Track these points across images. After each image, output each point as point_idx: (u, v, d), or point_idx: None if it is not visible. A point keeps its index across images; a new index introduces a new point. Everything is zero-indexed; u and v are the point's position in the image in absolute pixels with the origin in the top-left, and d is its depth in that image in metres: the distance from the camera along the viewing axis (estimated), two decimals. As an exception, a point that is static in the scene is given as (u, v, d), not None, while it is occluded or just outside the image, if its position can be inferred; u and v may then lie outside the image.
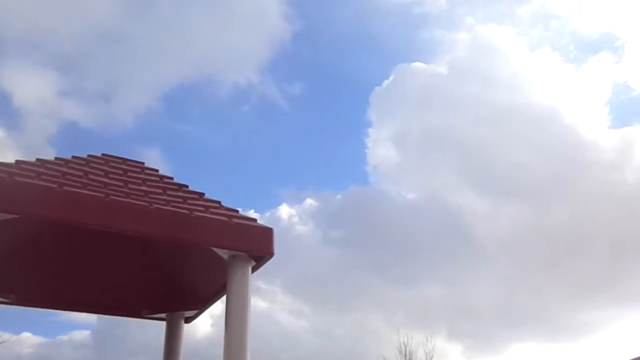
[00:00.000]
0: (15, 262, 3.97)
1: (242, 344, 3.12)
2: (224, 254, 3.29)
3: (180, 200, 3.43)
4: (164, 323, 4.37)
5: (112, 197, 3.12)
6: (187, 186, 3.79)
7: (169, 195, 3.47)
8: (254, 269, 3.38)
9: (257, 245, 3.30)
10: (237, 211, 3.52)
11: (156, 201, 3.29)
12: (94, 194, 3.10)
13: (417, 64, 21.66)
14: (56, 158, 3.55)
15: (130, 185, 3.44)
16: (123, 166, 3.80)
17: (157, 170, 3.93)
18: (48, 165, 3.35)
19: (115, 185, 3.36)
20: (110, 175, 3.53)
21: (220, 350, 3.16)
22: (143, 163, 4.02)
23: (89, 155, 3.77)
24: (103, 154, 3.89)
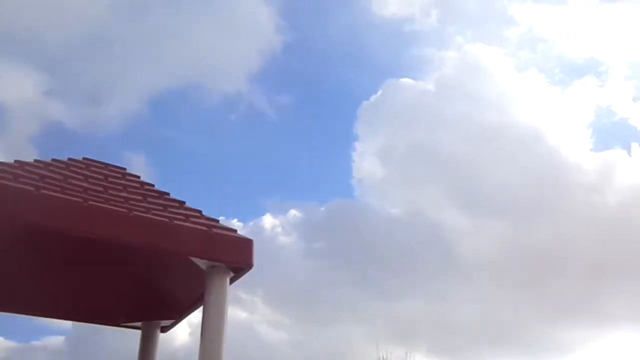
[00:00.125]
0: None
1: (218, 356, 3.08)
2: (202, 264, 3.26)
3: (161, 208, 3.40)
4: (139, 332, 4.30)
5: (90, 202, 3.08)
6: (168, 194, 3.76)
7: (149, 203, 3.43)
8: (232, 280, 3.35)
9: (236, 256, 3.27)
10: (217, 221, 3.49)
11: (136, 208, 3.25)
12: (73, 198, 3.05)
13: (406, 80, 21.83)
14: (35, 160, 3.49)
15: (110, 191, 3.40)
16: (104, 171, 3.75)
17: (138, 177, 3.89)
18: (27, 168, 3.29)
19: (95, 190, 3.32)
20: (90, 180, 3.49)
21: (197, 360, 3.12)
22: (125, 169, 3.98)
23: (69, 159, 3.72)
24: (84, 158, 3.84)
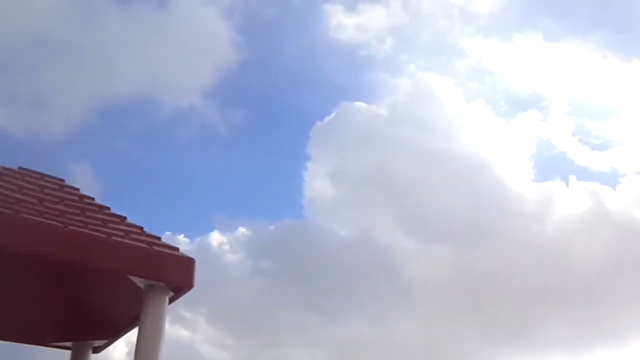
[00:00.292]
0: None
1: (151, 379, 2.95)
2: (140, 282, 3.14)
3: (100, 223, 3.27)
4: (69, 352, 4.09)
5: (23, 214, 2.92)
6: (108, 208, 3.62)
7: (88, 217, 3.30)
8: (171, 300, 3.24)
9: (176, 275, 3.18)
10: (159, 238, 3.39)
11: (72, 222, 3.11)
12: (3, 210, 2.89)
13: (359, 104, 22.15)
14: (-35, 168, 3.30)
15: (45, 203, 3.24)
16: (40, 182, 3.59)
17: (77, 189, 3.74)
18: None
19: (28, 202, 3.16)
20: (25, 191, 3.32)
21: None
22: (63, 180, 3.82)
23: (2, 168, 3.53)
24: (19, 168, 3.66)
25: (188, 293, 3.31)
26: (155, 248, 3.18)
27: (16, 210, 2.93)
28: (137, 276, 3.11)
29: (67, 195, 3.53)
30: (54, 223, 2.99)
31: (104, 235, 3.07)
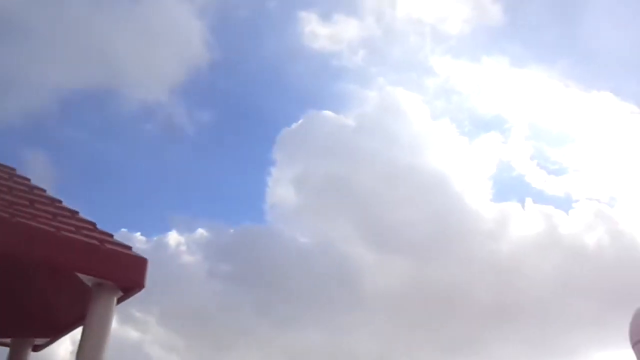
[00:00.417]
0: None
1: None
2: (88, 280, 3.02)
3: (50, 216, 3.14)
4: (7, 349, 3.90)
5: (-34, 202, 2.78)
6: (60, 201, 3.49)
7: (37, 209, 3.16)
8: (120, 300, 3.13)
9: (126, 275, 3.07)
10: (111, 235, 3.27)
11: (20, 214, 2.97)
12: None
13: (327, 113, 22.25)
14: None
15: (-8, 192, 3.09)
16: (-11, 170, 3.43)
17: (28, 180, 3.59)
18: None
19: (-27, 189, 3.01)
20: (-30, 178, 3.16)
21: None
22: (14, 169, 3.66)
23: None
24: (-33, 153, 3.49)
25: (139, 293, 3.20)
26: (107, 245, 3.07)
27: (-41, 198, 2.79)
28: (85, 274, 2.99)
29: (16, 185, 3.39)
30: (0, 214, 2.85)
31: (52, 229, 2.95)
